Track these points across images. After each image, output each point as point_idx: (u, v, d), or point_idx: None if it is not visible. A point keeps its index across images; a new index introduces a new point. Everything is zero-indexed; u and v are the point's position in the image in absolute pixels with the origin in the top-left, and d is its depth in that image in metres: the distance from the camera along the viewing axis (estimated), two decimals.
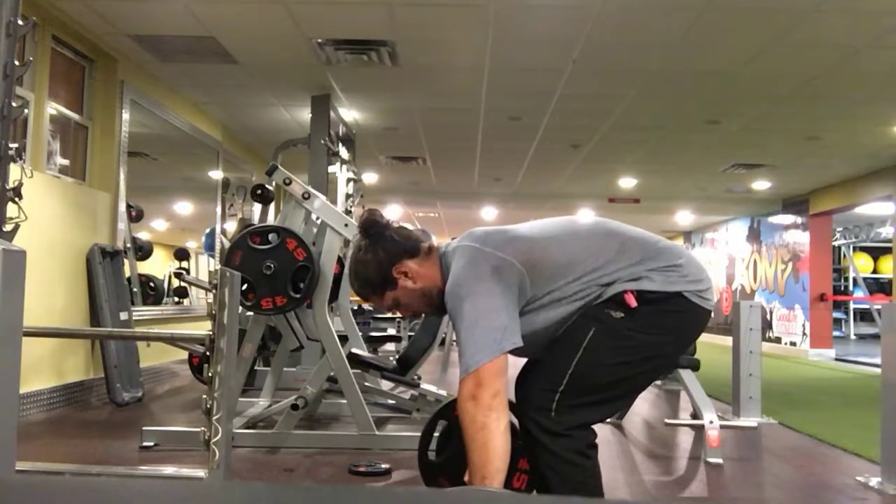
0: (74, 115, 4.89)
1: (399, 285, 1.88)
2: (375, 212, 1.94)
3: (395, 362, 3.95)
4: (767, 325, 11.41)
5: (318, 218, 3.60)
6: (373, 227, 1.89)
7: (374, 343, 6.96)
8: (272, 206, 5.26)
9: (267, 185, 4.16)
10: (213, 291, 2.21)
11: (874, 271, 13.93)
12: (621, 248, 1.79)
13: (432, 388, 3.95)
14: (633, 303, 1.71)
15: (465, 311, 1.69)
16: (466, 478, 1.73)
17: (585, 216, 1.91)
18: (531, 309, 1.76)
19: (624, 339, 1.72)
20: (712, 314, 1.85)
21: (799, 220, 10.73)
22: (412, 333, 6.61)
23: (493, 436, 1.58)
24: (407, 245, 1.88)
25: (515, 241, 1.79)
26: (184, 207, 9.43)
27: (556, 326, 1.77)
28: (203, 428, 2.19)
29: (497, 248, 1.76)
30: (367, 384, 4.09)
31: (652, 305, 1.72)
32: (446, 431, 2.06)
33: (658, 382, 5.65)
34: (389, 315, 9.26)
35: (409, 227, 1.96)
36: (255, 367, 4.75)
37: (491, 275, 1.71)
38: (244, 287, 3.31)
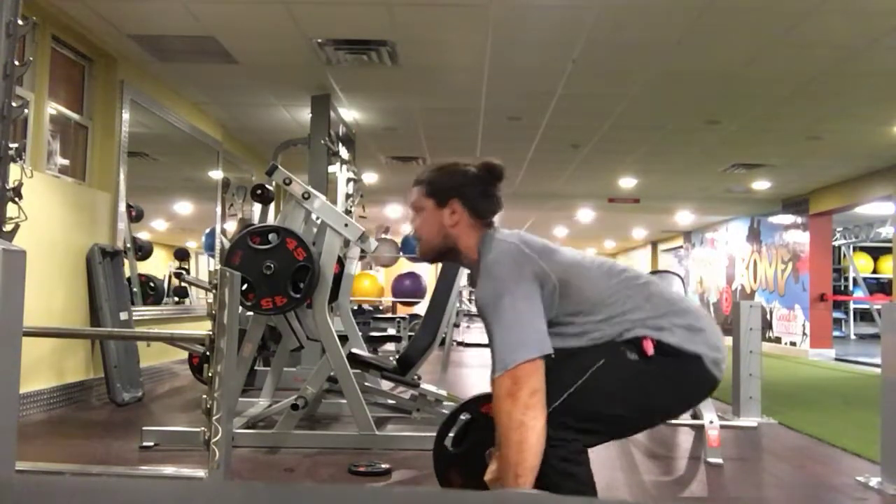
0: (74, 115, 4.89)
1: (440, 210, 1.88)
2: (501, 169, 1.91)
3: (395, 362, 3.95)
4: (767, 325, 11.41)
5: (318, 218, 3.60)
6: (490, 171, 1.89)
7: (374, 343, 6.96)
8: (272, 206, 5.26)
9: (267, 185, 4.16)
10: (213, 291, 2.21)
11: (874, 271, 13.93)
12: (649, 297, 1.78)
13: (432, 388, 3.95)
14: (651, 350, 1.70)
15: (504, 308, 1.67)
16: (488, 476, 1.72)
17: (620, 262, 1.90)
18: (550, 331, 1.76)
19: (631, 380, 1.71)
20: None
21: (799, 220, 10.73)
22: (412, 333, 6.61)
23: (529, 434, 1.58)
24: (481, 204, 1.87)
25: (557, 255, 1.79)
26: (184, 207, 9.42)
27: (565, 354, 1.76)
28: (203, 428, 2.19)
29: (540, 256, 1.76)
30: (367, 384, 4.09)
31: (668, 358, 1.71)
32: (466, 425, 2.05)
33: None
34: (389, 315, 9.27)
35: (498, 205, 1.92)
36: (255, 367, 4.75)
37: (532, 280, 1.71)
38: (244, 287, 3.31)
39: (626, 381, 1.71)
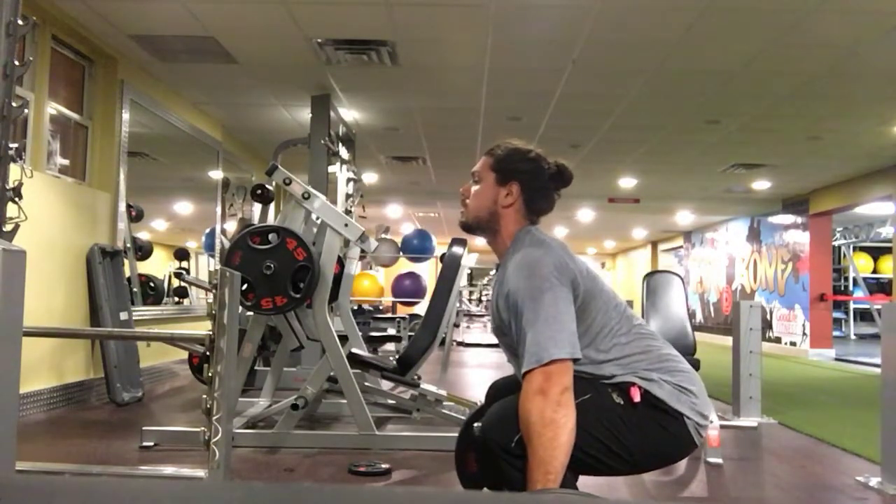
0: (74, 115, 4.89)
1: (498, 187, 1.88)
2: (571, 175, 1.94)
3: (395, 362, 3.95)
4: (767, 325, 11.41)
5: (318, 218, 3.60)
6: (561, 174, 1.91)
7: (374, 343, 6.96)
8: (272, 206, 5.26)
9: (267, 185, 4.16)
10: (213, 291, 2.21)
11: (874, 271, 13.93)
12: (648, 349, 1.78)
13: (432, 388, 3.95)
14: (637, 398, 1.68)
15: (545, 304, 1.66)
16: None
17: (633, 312, 1.89)
18: None
19: (610, 422, 1.69)
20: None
21: (799, 220, 10.73)
22: (412, 333, 6.61)
23: (561, 432, 1.56)
24: (538, 199, 1.89)
25: (589, 275, 1.79)
26: (184, 207, 9.41)
27: None
28: (203, 428, 2.19)
29: (578, 269, 1.76)
30: (367, 384, 4.09)
31: (652, 411, 1.70)
32: None
33: None
34: (389, 315, 9.27)
35: (551, 207, 1.93)
36: (255, 367, 4.75)
37: (571, 285, 1.71)
38: (244, 287, 3.31)
39: (606, 421, 1.68)
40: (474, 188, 1.92)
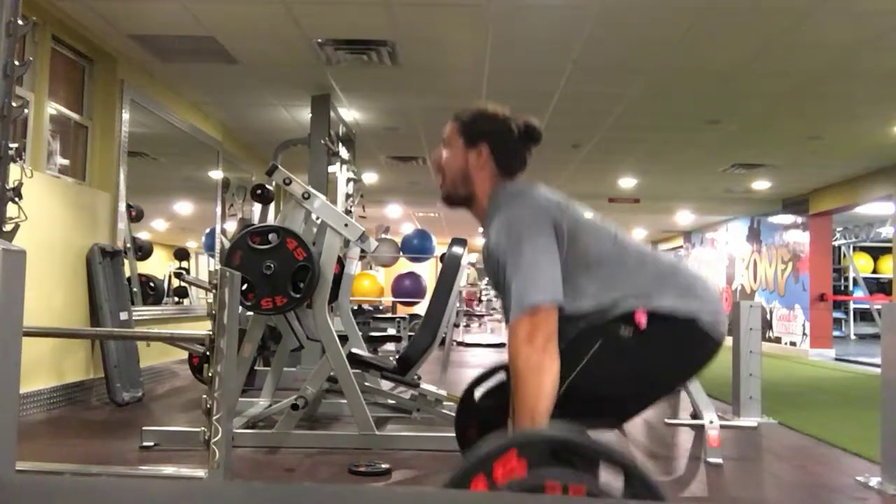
0: (74, 115, 4.89)
1: (467, 150, 1.89)
2: (539, 133, 1.94)
3: (395, 362, 3.95)
4: (767, 325, 11.41)
5: (318, 218, 3.60)
6: (529, 132, 1.92)
7: (374, 343, 6.96)
8: (272, 206, 5.26)
9: (267, 185, 4.16)
10: (213, 291, 2.21)
11: (874, 271, 13.92)
12: (642, 262, 1.77)
13: (432, 388, 3.95)
14: (644, 323, 1.68)
15: (523, 252, 1.67)
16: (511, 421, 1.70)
17: (623, 232, 1.88)
18: None
19: (629, 358, 1.68)
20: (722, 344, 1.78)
21: (799, 219, 10.72)
22: (412, 333, 6.61)
23: (546, 377, 1.59)
24: (507, 159, 1.88)
25: (571, 210, 1.79)
26: (184, 207, 9.43)
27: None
28: (203, 428, 2.19)
29: (557, 208, 1.76)
30: (367, 384, 4.08)
31: (663, 327, 1.68)
32: (501, 385, 2.04)
33: None
34: (389, 315, 9.26)
35: (523, 166, 1.92)
36: (255, 367, 4.75)
37: (551, 232, 1.71)
38: (244, 287, 3.31)
39: (624, 360, 1.69)
40: (445, 154, 1.94)
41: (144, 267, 6.52)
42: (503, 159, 1.89)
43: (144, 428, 3.48)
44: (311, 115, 5.85)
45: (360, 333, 4.32)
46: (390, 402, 4.19)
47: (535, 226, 1.71)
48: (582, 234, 1.75)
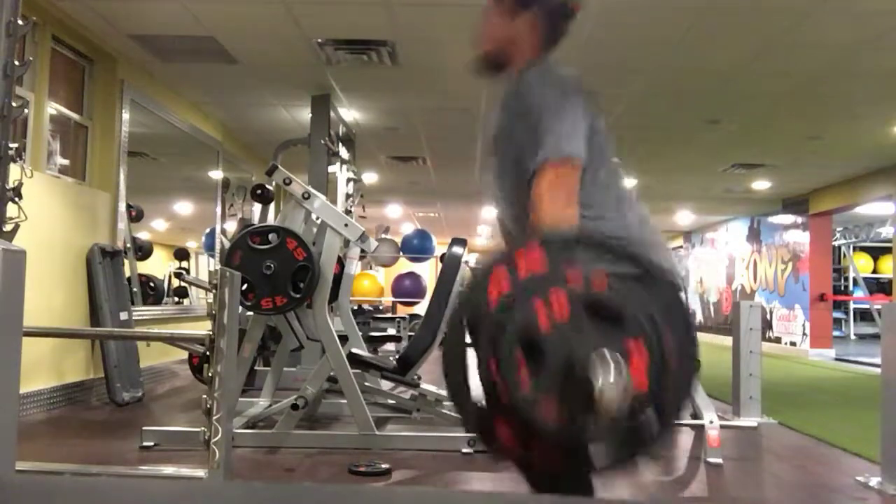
0: (74, 115, 4.89)
1: (517, 13, 1.86)
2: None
3: (395, 362, 3.95)
4: (767, 325, 11.40)
5: (318, 218, 3.60)
6: (574, 8, 1.87)
7: (374, 343, 6.96)
8: (272, 206, 5.26)
9: (267, 185, 4.16)
10: (213, 291, 2.21)
11: (874, 271, 13.92)
12: (620, 201, 1.77)
13: (432, 388, 3.95)
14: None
15: (567, 108, 1.64)
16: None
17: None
18: None
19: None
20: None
21: (799, 219, 10.73)
22: (412, 333, 6.61)
23: (570, 210, 1.54)
24: (550, 31, 1.85)
25: (596, 120, 1.74)
26: (184, 207, 9.43)
27: None
28: (203, 428, 2.19)
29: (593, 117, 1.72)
30: (367, 384, 4.09)
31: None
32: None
33: None
34: (389, 315, 9.26)
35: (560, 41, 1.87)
36: (255, 367, 4.75)
37: (585, 111, 1.68)
38: (244, 287, 3.31)
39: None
40: (490, 14, 1.93)
41: (144, 267, 6.52)
42: (550, 29, 1.86)
43: (144, 428, 3.48)
44: (311, 115, 5.85)
45: (360, 333, 4.32)
46: (390, 402, 4.19)
47: (580, 98, 1.69)
48: (595, 148, 1.70)
